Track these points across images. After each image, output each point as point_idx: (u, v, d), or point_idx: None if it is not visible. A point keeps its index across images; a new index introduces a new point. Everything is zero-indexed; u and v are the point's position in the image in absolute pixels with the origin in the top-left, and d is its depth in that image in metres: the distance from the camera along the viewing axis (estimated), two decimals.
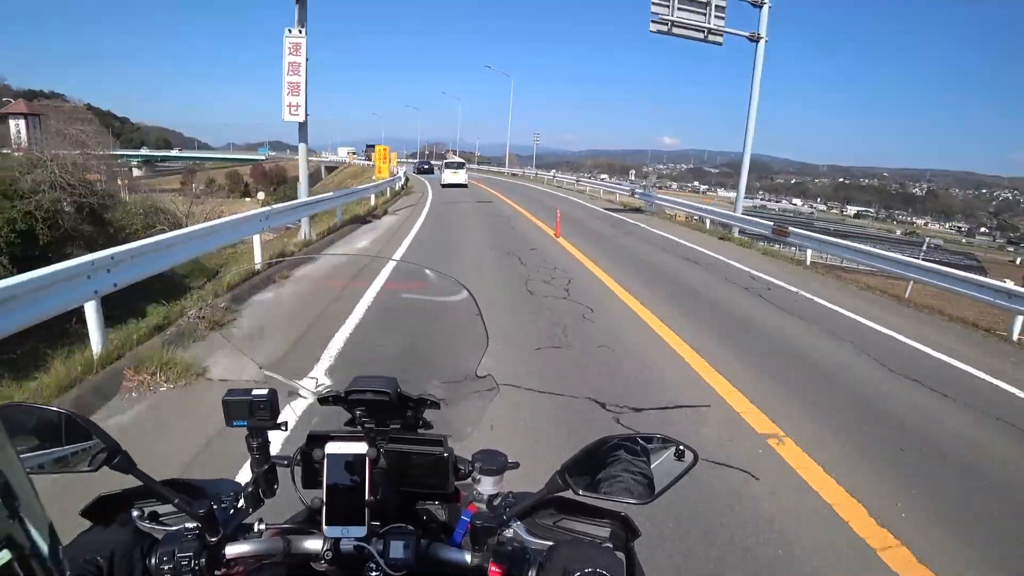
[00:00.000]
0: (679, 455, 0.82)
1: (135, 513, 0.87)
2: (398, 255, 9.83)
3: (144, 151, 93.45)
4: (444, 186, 28.09)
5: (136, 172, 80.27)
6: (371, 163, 31.16)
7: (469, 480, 0.96)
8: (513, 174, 52.47)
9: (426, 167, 52.51)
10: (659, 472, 0.81)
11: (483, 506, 0.93)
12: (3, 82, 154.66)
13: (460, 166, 29.66)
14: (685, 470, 0.81)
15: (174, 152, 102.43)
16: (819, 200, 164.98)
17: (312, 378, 1.13)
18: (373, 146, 31.48)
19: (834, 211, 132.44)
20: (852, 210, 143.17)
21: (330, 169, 73.97)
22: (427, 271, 1.24)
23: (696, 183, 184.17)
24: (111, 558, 0.77)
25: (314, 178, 71.24)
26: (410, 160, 68.60)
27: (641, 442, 0.82)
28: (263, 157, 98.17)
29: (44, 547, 0.36)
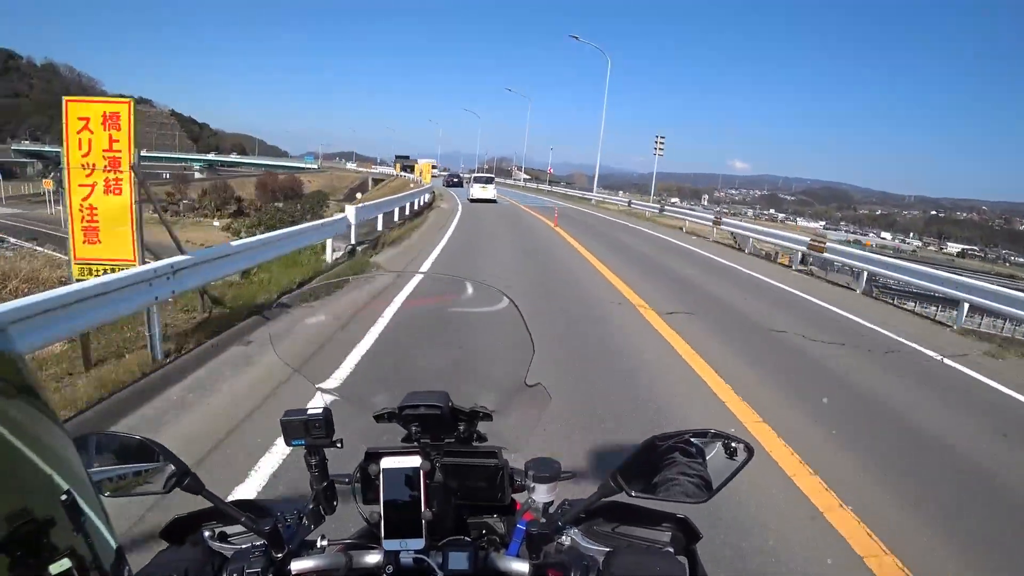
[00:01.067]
0: (732, 451, 0.80)
1: (206, 533, 0.90)
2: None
3: (211, 156, 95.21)
4: (472, 201, 27.70)
5: (198, 175, 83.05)
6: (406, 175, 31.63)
7: (524, 490, 0.95)
8: (568, 194, 46.90)
9: (456, 180, 53.89)
10: (714, 469, 0.79)
11: (538, 515, 0.92)
12: (100, 87, 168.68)
13: (489, 181, 30.29)
14: (741, 464, 0.79)
15: (240, 158, 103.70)
16: (912, 235, 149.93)
17: (365, 399, 1.12)
18: (405, 157, 29.62)
19: (930, 247, 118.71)
20: (953, 247, 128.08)
21: (377, 181, 71.77)
22: (467, 282, 1.26)
23: (772, 211, 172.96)
24: None
25: (360, 188, 69.90)
26: (441, 173, 68.42)
27: (694, 440, 0.81)
28: (313, 166, 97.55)
29: (106, 562, 0.39)
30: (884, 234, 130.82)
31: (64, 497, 0.37)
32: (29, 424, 0.39)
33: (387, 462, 0.85)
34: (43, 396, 0.41)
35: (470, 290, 1.26)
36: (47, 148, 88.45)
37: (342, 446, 0.94)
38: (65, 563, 0.36)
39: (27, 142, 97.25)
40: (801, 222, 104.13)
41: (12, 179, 79.82)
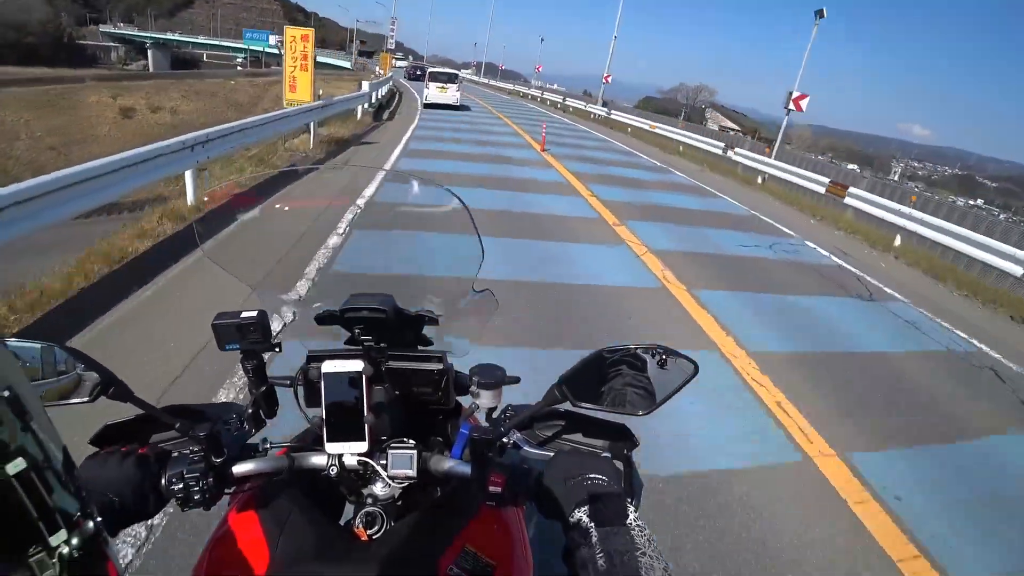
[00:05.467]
0: (677, 364, 0.81)
1: (139, 440, 0.89)
2: None
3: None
4: (427, 106, 21.72)
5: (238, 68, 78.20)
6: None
7: (468, 395, 0.96)
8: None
9: (419, 72, 46.47)
10: (659, 382, 0.81)
11: (482, 420, 0.95)
12: None
13: (451, 79, 22.49)
14: (685, 380, 0.81)
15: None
16: None
17: (308, 298, 1.13)
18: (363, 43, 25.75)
19: None
20: None
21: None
22: (414, 181, 1.20)
23: (973, 200, 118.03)
24: (122, 483, 0.77)
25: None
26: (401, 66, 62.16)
27: (640, 354, 0.81)
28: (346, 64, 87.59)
29: (58, 458, 0.39)
30: None
31: (6, 394, 0.36)
32: None
33: (328, 365, 0.84)
34: None
35: (417, 189, 1.22)
36: (136, 32, 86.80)
37: (281, 350, 0.92)
38: (20, 463, 0.36)
39: (122, 24, 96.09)
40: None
41: (95, 64, 79.30)
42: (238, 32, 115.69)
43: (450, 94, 22.03)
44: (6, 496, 0.35)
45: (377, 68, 36.96)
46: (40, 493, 0.37)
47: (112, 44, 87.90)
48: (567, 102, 34.07)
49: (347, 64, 63.21)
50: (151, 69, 69.61)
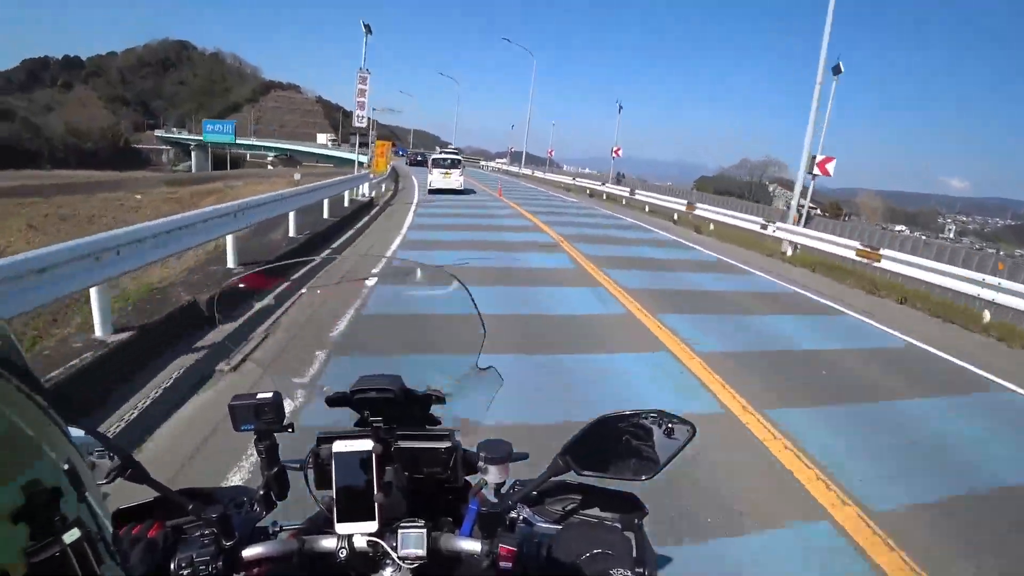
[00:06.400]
0: (676, 430, 0.84)
1: (153, 523, 0.88)
2: None
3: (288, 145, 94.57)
4: (433, 192, 21.79)
5: (270, 167, 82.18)
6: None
7: (476, 472, 0.97)
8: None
9: (419, 158, 50.09)
10: (659, 446, 0.84)
11: (491, 495, 0.96)
12: (259, 74, 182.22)
13: (453, 165, 22.32)
14: (685, 442, 0.84)
15: (306, 147, 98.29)
16: None
17: (319, 383, 1.14)
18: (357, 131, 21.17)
19: None
20: None
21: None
22: (416, 266, 1.25)
23: None
24: (134, 568, 0.77)
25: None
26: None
27: (639, 419, 0.84)
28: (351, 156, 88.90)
29: (109, 530, 0.41)
30: None
31: (66, 467, 0.38)
32: (19, 399, 0.38)
33: (339, 446, 0.85)
34: (29, 370, 0.40)
35: (420, 273, 1.26)
36: (185, 136, 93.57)
37: (294, 431, 0.93)
38: (75, 532, 0.37)
39: (175, 129, 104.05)
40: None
41: (147, 166, 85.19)
42: (282, 133, 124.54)
43: (453, 179, 21.96)
44: (62, 563, 0.36)
45: (364, 165, 21.81)
46: (91, 564, 0.38)
47: (164, 147, 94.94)
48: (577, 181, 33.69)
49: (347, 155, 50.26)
50: (193, 170, 73.90)
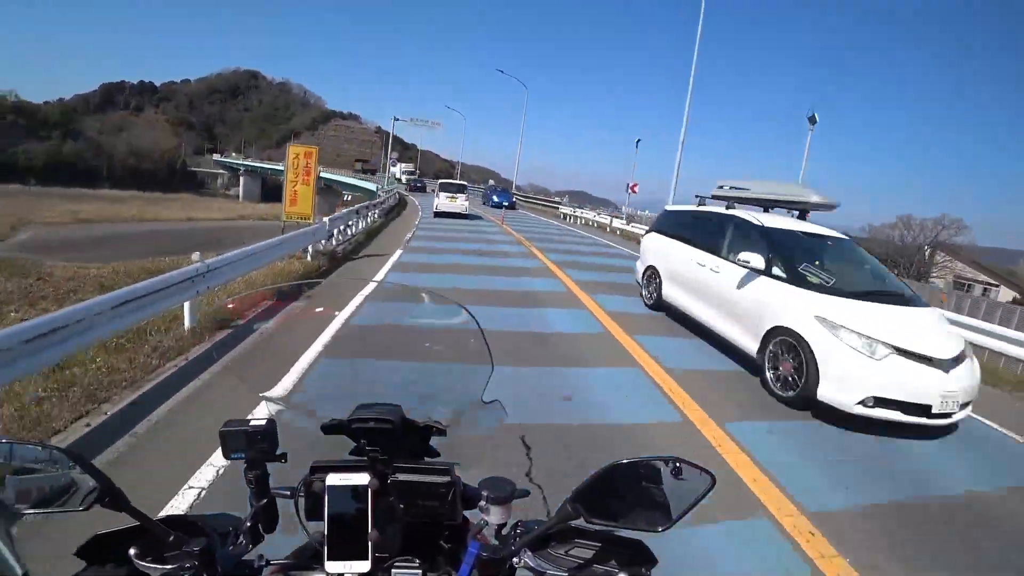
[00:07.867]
0: (692, 478, 0.78)
1: (132, 552, 0.81)
2: None
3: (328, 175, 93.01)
4: (438, 215, 22.77)
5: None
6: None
7: (477, 509, 0.91)
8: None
9: (419, 185, 52.32)
10: (674, 495, 0.78)
11: (491, 537, 0.90)
12: (324, 106, 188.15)
13: (460, 190, 23.80)
14: (702, 494, 0.78)
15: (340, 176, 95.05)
16: None
17: (312, 409, 1.08)
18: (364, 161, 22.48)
19: None
20: None
21: None
22: (425, 294, 1.25)
23: None
24: None
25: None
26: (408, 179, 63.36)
27: (654, 465, 0.79)
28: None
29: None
30: None
31: None
32: None
33: (333, 478, 0.83)
34: None
35: (431, 301, 1.26)
36: (241, 161, 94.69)
37: (287, 461, 0.90)
38: None
39: (234, 154, 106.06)
40: None
41: (200, 188, 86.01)
42: (337, 162, 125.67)
43: (459, 203, 23.08)
44: None
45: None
46: None
47: (219, 171, 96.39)
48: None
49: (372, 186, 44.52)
50: (241, 196, 73.58)
